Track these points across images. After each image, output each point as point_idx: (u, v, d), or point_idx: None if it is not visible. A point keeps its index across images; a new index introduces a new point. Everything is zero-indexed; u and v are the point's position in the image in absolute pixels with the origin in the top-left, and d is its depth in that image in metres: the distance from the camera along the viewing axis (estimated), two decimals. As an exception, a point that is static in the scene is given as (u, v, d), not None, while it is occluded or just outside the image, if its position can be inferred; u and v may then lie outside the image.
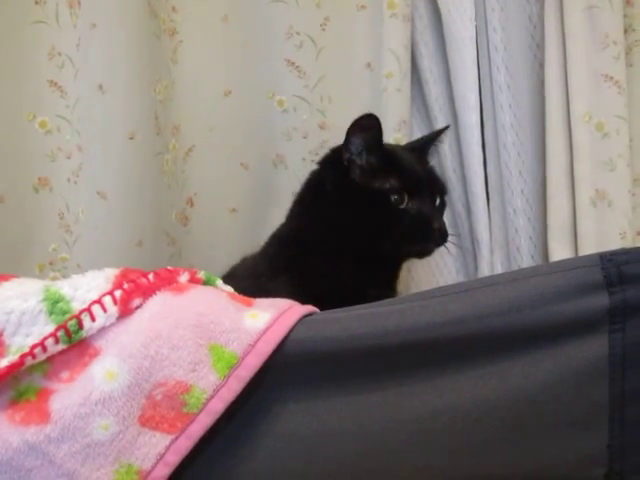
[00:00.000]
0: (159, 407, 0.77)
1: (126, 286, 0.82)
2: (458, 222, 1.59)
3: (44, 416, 0.75)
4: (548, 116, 1.43)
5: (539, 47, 1.51)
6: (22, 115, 1.47)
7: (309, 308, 0.87)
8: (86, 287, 0.82)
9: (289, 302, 0.88)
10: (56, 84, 1.47)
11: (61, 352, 0.78)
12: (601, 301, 0.79)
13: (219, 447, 0.81)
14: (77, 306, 0.80)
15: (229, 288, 0.94)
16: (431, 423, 0.81)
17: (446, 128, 1.39)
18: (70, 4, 1.45)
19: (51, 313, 0.79)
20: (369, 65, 1.54)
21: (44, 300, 0.80)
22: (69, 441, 0.75)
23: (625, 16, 1.42)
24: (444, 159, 1.58)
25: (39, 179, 1.48)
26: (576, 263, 0.83)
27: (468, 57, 1.51)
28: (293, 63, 1.55)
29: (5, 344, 0.79)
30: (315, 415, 0.82)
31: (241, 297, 0.89)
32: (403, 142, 1.51)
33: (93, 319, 0.79)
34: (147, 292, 0.83)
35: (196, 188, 1.57)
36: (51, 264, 1.49)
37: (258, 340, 0.80)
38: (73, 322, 0.78)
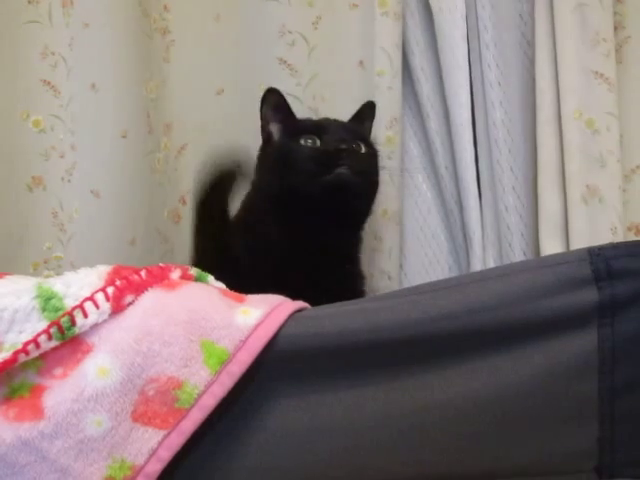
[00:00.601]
0: (151, 403, 0.78)
1: (118, 283, 0.82)
2: (450, 219, 1.59)
3: (37, 412, 0.76)
4: (539, 113, 1.44)
5: (530, 45, 1.52)
6: (16, 114, 1.47)
7: (300, 304, 0.87)
8: (79, 284, 0.82)
9: (280, 298, 0.88)
10: (49, 83, 1.47)
11: (54, 349, 0.78)
12: (590, 296, 0.80)
13: (211, 443, 0.81)
14: (70, 303, 0.80)
15: (221, 284, 0.95)
16: (421, 418, 0.82)
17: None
18: (63, 4, 1.45)
19: (44, 310, 0.79)
20: (361, 63, 1.55)
21: (37, 297, 0.80)
22: (62, 437, 0.75)
23: (615, 13, 1.43)
24: (436, 156, 1.58)
25: (33, 178, 1.48)
26: (565, 258, 0.84)
27: (459, 55, 1.51)
28: (285, 62, 1.55)
29: (-2, 341, 0.79)
30: (306, 411, 0.82)
31: (233, 293, 0.90)
32: (395, 140, 1.52)
33: (86, 316, 0.79)
34: (139, 289, 0.83)
35: (189, 186, 1.55)
36: (45, 263, 1.49)
37: (249, 336, 0.80)
38: (66, 319, 0.78)
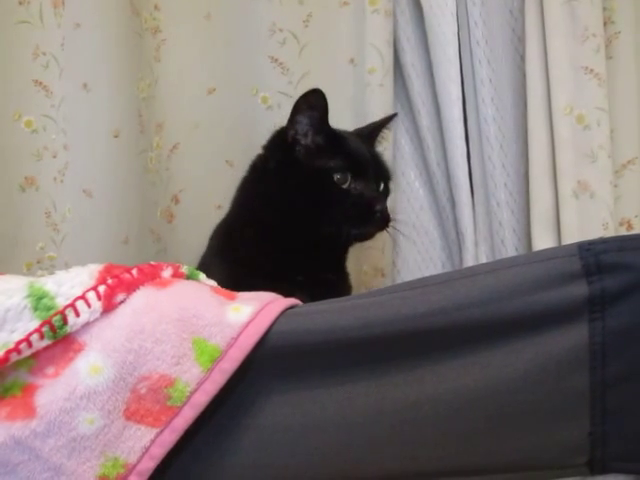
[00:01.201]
0: (144, 401, 0.78)
1: (110, 281, 0.82)
2: (443, 215, 1.60)
3: (30, 411, 0.76)
4: (530, 109, 1.45)
5: (520, 41, 1.53)
6: (8, 115, 1.47)
7: (292, 301, 0.87)
8: (70, 283, 0.82)
9: (272, 295, 0.88)
10: (41, 83, 1.47)
11: (46, 348, 0.78)
12: (580, 290, 0.80)
13: (204, 440, 0.81)
14: (61, 302, 0.80)
15: (212, 282, 0.95)
16: (413, 413, 0.82)
17: (394, 116, 1.42)
18: (54, 4, 1.45)
19: (36, 309, 0.79)
20: (352, 61, 1.55)
21: (29, 296, 0.80)
22: (55, 435, 0.75)
23: (604, 9, 1.44)
24: (428, 152, 1.58)
25: (25, 178, 1.48)
26: (555, 253, 0.84)
27: (450, 51, 1.52)
28: (276, 60, 1.55)
29: (-10, 340, 0.79)
30: (298, 407, 0.82)
31: (224, 291, 0.90)
32: (387, 137, 1.52)
33: (77, 314, 0.79)
34: (130, 287, 0.83)
35: (181, 185, 1.57)
36: (39, 262, 1.49)
37: (241, 333, 0.80)
38: (58, 318, 0.78)
